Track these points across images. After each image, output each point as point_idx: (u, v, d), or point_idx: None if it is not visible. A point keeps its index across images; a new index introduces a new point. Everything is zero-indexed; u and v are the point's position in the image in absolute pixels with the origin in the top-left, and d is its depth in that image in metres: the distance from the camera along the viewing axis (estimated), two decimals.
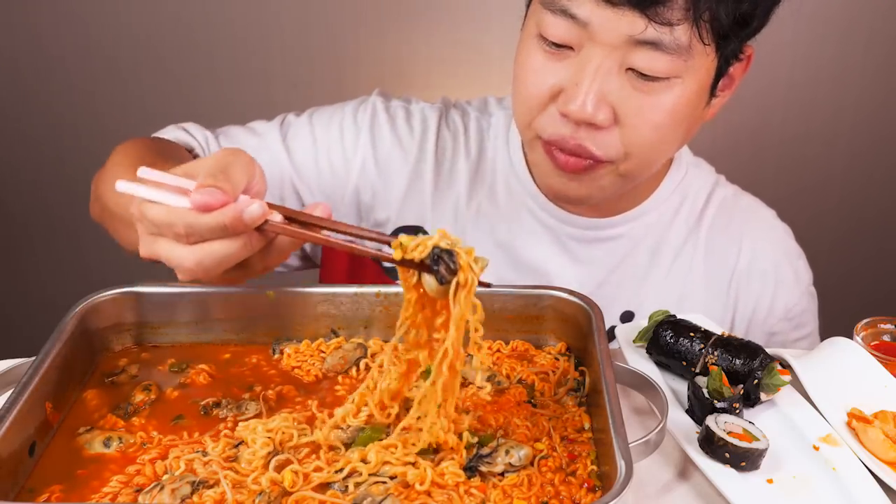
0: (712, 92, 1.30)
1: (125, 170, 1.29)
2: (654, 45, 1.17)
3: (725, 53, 1.25)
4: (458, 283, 0.97)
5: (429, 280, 0.99)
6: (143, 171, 1.02)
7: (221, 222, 0.98)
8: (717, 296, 1.52)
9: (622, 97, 1.22)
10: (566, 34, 1.20)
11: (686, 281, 1.51)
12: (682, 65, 1.19)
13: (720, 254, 1.53)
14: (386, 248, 1.01)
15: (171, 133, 1.48)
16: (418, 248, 0.98)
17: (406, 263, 0.99)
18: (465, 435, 1.04)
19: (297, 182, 1.48)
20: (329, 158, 1.49)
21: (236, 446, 1.04)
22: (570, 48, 1.21)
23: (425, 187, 1.49)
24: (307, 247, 1.54)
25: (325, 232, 1.04)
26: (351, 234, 1.04)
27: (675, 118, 1.25)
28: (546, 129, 1.28)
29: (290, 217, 1.03)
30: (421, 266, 0.99)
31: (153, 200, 1.00)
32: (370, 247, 1.04)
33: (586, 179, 1.31)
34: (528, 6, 1.30)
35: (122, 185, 1.01)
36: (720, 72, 1.27)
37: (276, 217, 1.02)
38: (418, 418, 1.04)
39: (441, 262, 0.97)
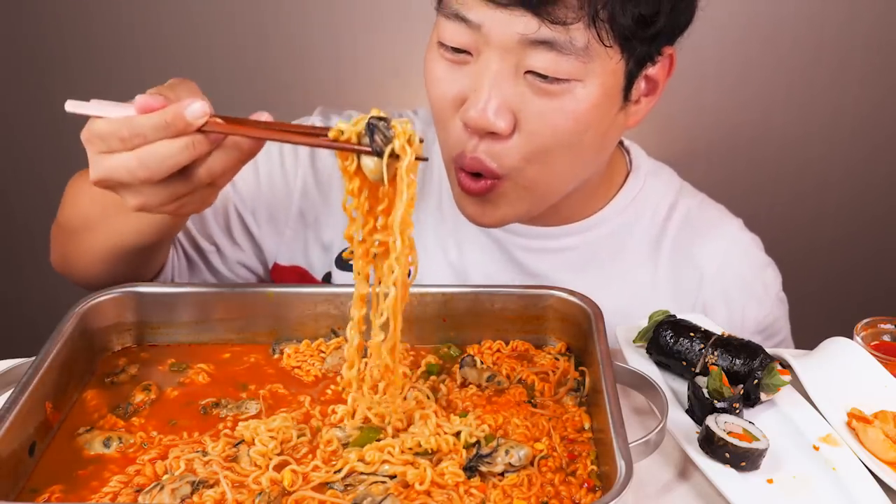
0: (626, 97, 1.24)
1: (86, 175, 1.31)
2: (549, 44, 1.13)
3: (635, 56, 1.19)
4: (394, 153, 0.96)
5: (367, 161, 0.98)
6: (71, 105, 1.05)
7: (162, 119, 0.99)
8: (682, 313, 1.43)
9: (522, 102, 1.18)
10: (463, 38, 1.17)
11: (646, 297, 1.45)
12: (582, 67, 1.15)
13: (684, 270, 1.47)
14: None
15: None
16: (356, 126, 0.98)
17: (342, 147, 0.99)
18: (464, 434, 1.04)
19: (240, 208, 1.45)
20: (271, 183, 1.45)
21: (236, 446, 1.04)
22: (469, 53, 1.18)
23: None
24: (260, 270, 1.51)
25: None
26: (290, 132, 1.04)
27: (577, 123, 1.20)
28: (453, 146, 1.24)
29: (234, 122, 1.03)
30: (358, 148, 0.98)
31: (100, 116, 1.02)
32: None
33: (492, 200, 1.26)
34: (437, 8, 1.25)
35: (72, 105, 1.04)
36: (631, 75, 1.21)
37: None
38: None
39: (377, 132, 0.97)
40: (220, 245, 1.46)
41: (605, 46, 1.14)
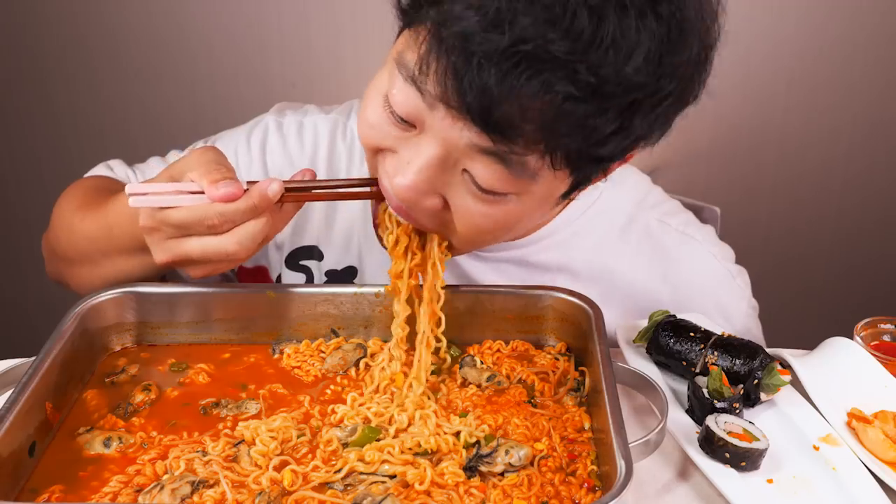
0: (567, 196, 1.13)
1: (80, 213, 1.35)
2: (496, 156, 1.00)
3: (584, 173, 1.08)
4: None
5: None
6: (131, 188, 1.10)
7: (252, 204, 1.09)
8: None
9: (452, 193, 1.07)
10: (411, 109, 1.02)
11: (604, 309, 1.33)
12: (523, 185, 1.04)
13: (646, 284, 1.40)
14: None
15: (99, 171, 1.49)
16: None
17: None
18: (464, 434, 1.04)
19: None
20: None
21: (236, 446, 1.04)
22: (413, 126, 1.05)
23: (318, 204, 1.42)
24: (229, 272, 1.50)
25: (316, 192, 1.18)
26: (338, 187, 1.19)
27: (505, 227, 1.12)
28: (378, 177, 1.14)
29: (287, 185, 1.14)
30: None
31: (166, 206, 1.09)
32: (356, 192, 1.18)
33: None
34: (397, 37, 1.12)
35: (135, 200, 1.10)
36: (577, 185, 1.10)
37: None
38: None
39: None
40: None
41: (555, 170, 1.02)
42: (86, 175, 1.48)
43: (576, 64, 0.91)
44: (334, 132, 1.45)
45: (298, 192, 1.15)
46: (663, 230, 1.43)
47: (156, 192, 1.09)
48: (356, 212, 1.42)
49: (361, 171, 1.42)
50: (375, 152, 1.12)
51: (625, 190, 1.43)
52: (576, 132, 0.96)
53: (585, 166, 1.05)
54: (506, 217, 1.09)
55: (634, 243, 1.41)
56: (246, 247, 1.10)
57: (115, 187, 1.37)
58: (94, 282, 1.31)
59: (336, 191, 1.18)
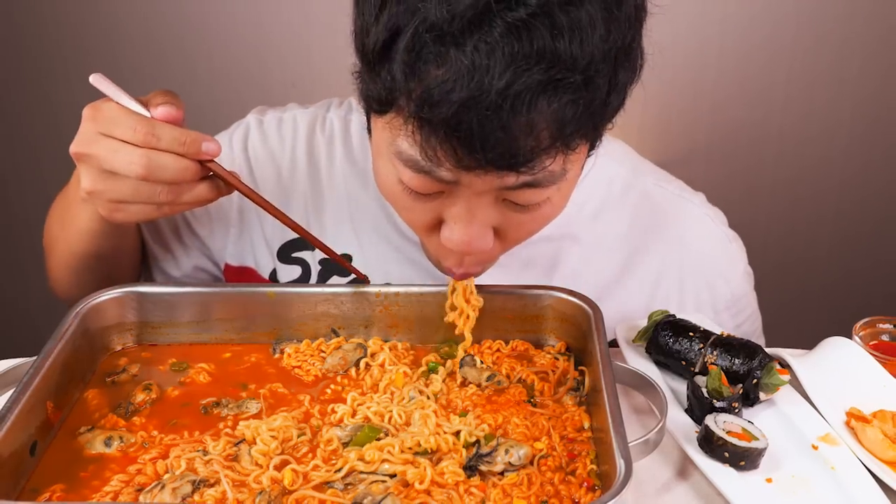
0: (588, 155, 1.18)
1: (55, 206, 1.38)
2: (528, 185, 1.05)
3: (598, 136, 1.13)
4: None
5: None
6: (95, 79, 1.13)
7: (183, 137, 1.10)
8: (641, 295, 1.43)
9: (501, 218, 1.11)
10: (432, 187, 1.06)
11: (601, 279, 1.42)
12: (558, 184, 1.08)
13: (642, 251, 1.44)
14: None
15: None
16: None
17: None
18: (464, 434, 1.04)
19: (187, 214, 1.45)
20: None
21: (237, 445, 1.04)
22: (441, 191, 1.08)
23: (302, 196, 1.44)
24: (214, 270, 1.51)
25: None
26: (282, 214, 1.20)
27: (554, 216, 1.17)
28: (436, 255, 1.19)
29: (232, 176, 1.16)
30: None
31: (115, 101, 1.11)
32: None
33: (480, 268, 1.23)
34: (368, 117, 1.14)
35: (96, 78, 1.13)
36: (593, 146, 1.16)
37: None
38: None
39: None
40: (174, 252, 1.47)
41: (577, 152, 1.06)
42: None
43: (559, 74, 0.93)
44: (313, 125, 1.47)
45: (230, 176, 1.16)
46: (661, 194, 1.47)
47: (115, 90, 1.12)
48: (342, 197, 1.43)
49: (340, 163, 1.44)
50: (425, 233, 1.16)
51: (615, 161, 1.46)
52: (584, 121, 1.00)
53: (598, 133, 1.11)
54: (553, 211, 1.15)
55: (633, 207, 1.45)
56: (150, 169, 1.09)
57: None
58: (61, 264, 1.35)
59: (272, 208, 1.19)
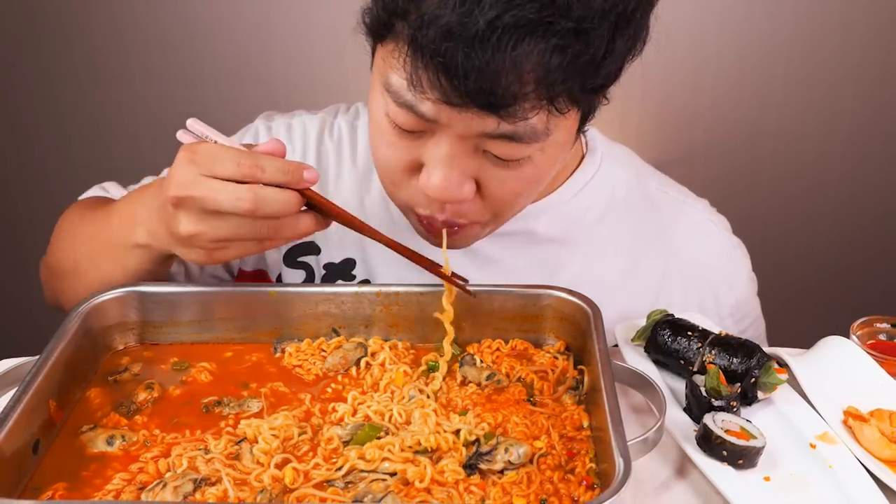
0: (579, 131, 1.20)
1: (84, 218, 1.37)
2: (508, 137, 1.07)
3: (588, 105, 1.14)
4: None
5: None
6: (191, 123, 1.12)
7: (285, 167, 1.07)
8: (644, 300, 1.42)
9: (482, 170, 1.13)
10: (415, 124, 1.09)
11: (604, 283, 1.40)
12: (542, 143, 1.10)
13: (646, 256, 1.44)
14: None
15: (94, 192, 1.50)
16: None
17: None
18: (464, 432, 1.05)
19: None
20: None
21: (238, 444, 1.05)
22: (423, 131, 1.11)
23: None
24: (226, 276, 1.50)
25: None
26: (376, 231, 1.17)
27: (539, 181, 1.19)
28: (415, 204, 1.20)
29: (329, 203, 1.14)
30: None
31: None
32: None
33: (461, 235, 1.25)
34: (372, 51, 1.16)
35: (192, 123, 1.12)
36: (585, 117, 1.16)
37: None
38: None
39: None
40: (189, 265, 1.45)
41: (563, 114, 1.07)
42: (81, 197, 1.49)
43: (550, 17, 0.96)
44: (322, 130, 1.48)
45: (328, 202, 1.14)
46: (664, 199, 1.48)
47: (214, 133, 1.11)
48: (351, 200, 1.43)
49: (347, 168, 1.45)
50: (404, 176, 1.16)
51: (620, 163, 1.47)
52: (571, 75, 1.01)
53: (588, 98, 1.11)
54: (536, 173, 1.15)
55: (637, 212, 1.45)
56: (257, 204, 1.05)
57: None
58: (91, 289, 1.31)
59: (368, 228, 1.16)
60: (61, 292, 1.40)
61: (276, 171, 1.07)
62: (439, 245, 1.23)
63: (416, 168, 1.16)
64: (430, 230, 1.23)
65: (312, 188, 1.12)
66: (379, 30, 1.08)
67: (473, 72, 0.98)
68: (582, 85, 1.05)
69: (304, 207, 1.12)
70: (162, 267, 1.27)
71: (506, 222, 1.28)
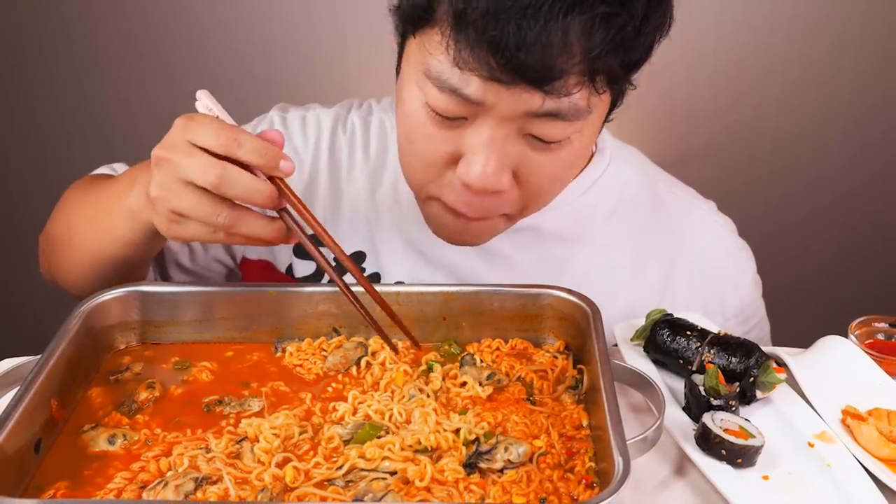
0: (608, 118, 1.23)
1: (86, 188, 1.38)
2: (553, 115, 1.09)
3: (619, 89, 1.18)
4: None
5: None
6: (202, 94, 1.14)
7: (263, 149, 1.06)
8: (649, 299, 1.43)
9: (521, 158, 1.15)
10: (457, 110, 1.10)
11: (609, 281, 1.43)
12: (581, 124, 1.13)
13: (654, 256, 1.45)
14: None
15: (102, 171, 1.51)
16: None
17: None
18: (464, 432, 1.05)
19: None
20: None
21: (239, 443, 1.05)
22: (464, 118, 1.12)
23: (321, 194, 1.45)
24: (230, 262, 1.51)
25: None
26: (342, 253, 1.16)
27: (572, 166, 1.21)
28: (447, 195, 1.21)
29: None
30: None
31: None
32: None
33: (483, 227, 1.26)
34: (400, 46, 1.19)
35: (203, 93, 1.14)
36: (614, 104, 1.21)
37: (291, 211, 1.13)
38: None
39: None
40: (193, 244, 1.47)
41: (600, 95, 1.11)
42: (90, 174, 1.50)
43: None
44: (336, 124, 1.49)
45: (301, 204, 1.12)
46: (672, 200, 1.49)
47: (220, 109, 1.12)
48: (362, 194, 1.45)
49: (360, 162, 1.46)
50: (440, 169, 1.17)
51: (629, 162, 1.48)
52: (614, 47, 1.03)
53: (621, 79, 1.13)
54: (573, 157, 1.17)
55: (644, 212, 1.46)
56: (222, 180, 1.05)
57: None
58: (78, 262, 1.33)
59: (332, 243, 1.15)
60: (56, 265, 1.41)
61: (253, 150, 1.06)
62: (452, 242, 1.26)
63: (454, 160, 1.16)
64: (460, 216, 1.23)
65: (295, 199, 1.11)
66: (418, 15, 1.09)
67: (525, 44, 0.99)
68: (622, 60, 1.07)
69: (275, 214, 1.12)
70: (150, 245, 1.26)
71: (530, 214, 1.29)
